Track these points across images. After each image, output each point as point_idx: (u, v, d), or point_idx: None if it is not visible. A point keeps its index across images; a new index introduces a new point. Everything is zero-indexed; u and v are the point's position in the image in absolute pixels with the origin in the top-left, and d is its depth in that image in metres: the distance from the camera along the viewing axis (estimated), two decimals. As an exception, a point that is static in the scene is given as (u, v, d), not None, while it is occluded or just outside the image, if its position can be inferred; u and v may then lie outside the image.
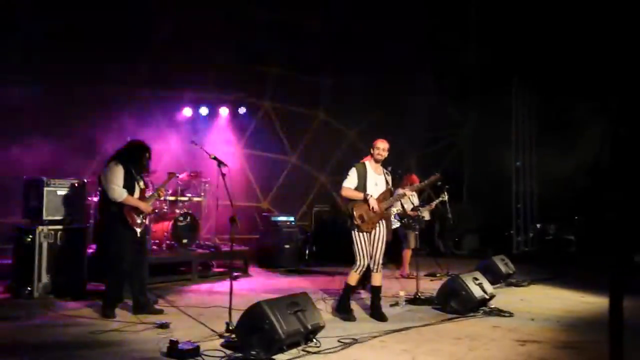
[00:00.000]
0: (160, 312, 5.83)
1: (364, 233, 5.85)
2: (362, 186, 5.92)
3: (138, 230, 5.82)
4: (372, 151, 6.11)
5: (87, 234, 7.13)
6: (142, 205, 5.83)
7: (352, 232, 5.88)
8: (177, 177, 6.99)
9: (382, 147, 6.08)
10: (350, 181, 5.94)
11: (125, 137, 8.64)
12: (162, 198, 7.38)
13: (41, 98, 8.88)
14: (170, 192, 8.37)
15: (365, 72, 12.44)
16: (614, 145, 1.99)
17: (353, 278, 5.93)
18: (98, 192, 8.30)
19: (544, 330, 5.46)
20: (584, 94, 11.17)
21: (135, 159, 5.88)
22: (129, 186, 5.74)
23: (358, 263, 5.86)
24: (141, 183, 5.97)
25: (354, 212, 5.85)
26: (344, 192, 5.96)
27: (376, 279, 6.00)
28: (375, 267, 5.94)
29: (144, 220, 5.92)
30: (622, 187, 2.00)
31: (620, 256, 2.03)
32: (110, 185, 5.62)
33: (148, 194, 6.09)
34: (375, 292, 6.03)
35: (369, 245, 5.88)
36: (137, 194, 5.85)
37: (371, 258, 5.90)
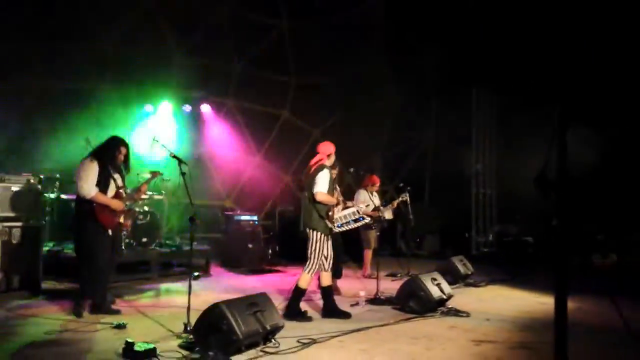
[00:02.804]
0: (118, 312, 5.72)
1: (328, 236, 5.91)
2: (331, 190, 5.95)
3: (109, 228, 5.67)
4: (331, 155, 6.12)
5: (42, 231, 6.95)
6: (114, 204, 5.67)
7: (317, 235, 5.85)
8: (161, 175, 6.65)
9: None
10: (326, 185, 5.86)
11: (86, 133, 8.55)
12: (142, 196, 7.02)
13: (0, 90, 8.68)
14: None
15: (329, 72, 12.51)
16: (558, 152, 2.06)
17: (307, 280, 5.89)
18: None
19: (499, 331, 5.56)
20: (543, 97, 11.44)
21: (111, 155, 5.74)
22: (103, 183, 5.59)
23: (314, 265, 5.85)
24: (118, 181, 5.81)
25: (330, 216, 5.91)
26: (324, 198, 5.82)
27: (329, 279, 6.04)
28: (330, 266, 5.98)
29: (115, 219, 5.74)
30: (565, 194, 2.07)
31: (563, 261, 2.10)
32: (79, 182, 5.51)
33: (127, 191, 5.93)
34: (330, 291, 6.09)
35: (329, 247, 5.94)
36: (111, 191, 5.70)
37: (326, 259, 5.93)
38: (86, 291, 5.63)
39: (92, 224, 5.55)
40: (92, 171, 5.54)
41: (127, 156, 5.88)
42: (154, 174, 6.37)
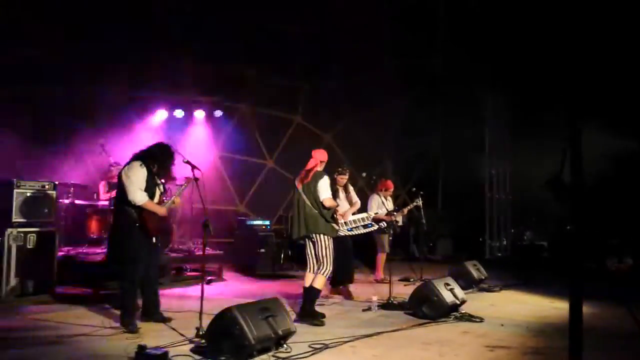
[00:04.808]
0: (168, 320, 5.64)
1: (332, 239, 6.04)
2: (332, 195, 6.12)
3: (154, 236, 5.54)
4: (323, 162, 6.22)
5: (57, 236, 7.00)
6: (161, 212, 5.53)
7: (327, 238, 5.96)
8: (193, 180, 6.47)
9: None
10: (330, 191, 6.02)
11: (99, 138, 8.65)
12: (178, 205, 6.77)
13: (14, 97, 8.77)
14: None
15: (341, 76, 12.52)
16: (573, 156, 2.04)
17: (322, 282, 5.97)
18: (100, 191, 8.15)
19: (513, 336, 5.51)
20: (556, 100, 11.36)
21: (161, 162, 5.60)
22: (149, 190, 5.47)
23: (329, 267, 5.94)
24: (161, 187, 5.71)
25: (335, 219, 6.11)
26: (331, 203, 6.02)
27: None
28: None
29: (161, 226, 5.63)
30: (579, 198, 2.05)
31: (578, 267, 2.08)
32: (132, 187, 5.32)
33: (166, 200, 5.83)
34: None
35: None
36: (156, 199, 5.59)
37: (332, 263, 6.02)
38: (131, 301, 5.40)
39: (139, 230, 5.38)
40: (143, 177, 5.40)
41: (172, 165, 5.75)
42: (188, 180, 6.13)
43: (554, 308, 7.12)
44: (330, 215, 6.01)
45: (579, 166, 2.07)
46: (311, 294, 5.94)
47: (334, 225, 6.11)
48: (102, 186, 8.87)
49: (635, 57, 10.35)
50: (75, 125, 9.33)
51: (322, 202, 5.93)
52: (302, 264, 10.27)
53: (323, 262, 5.92)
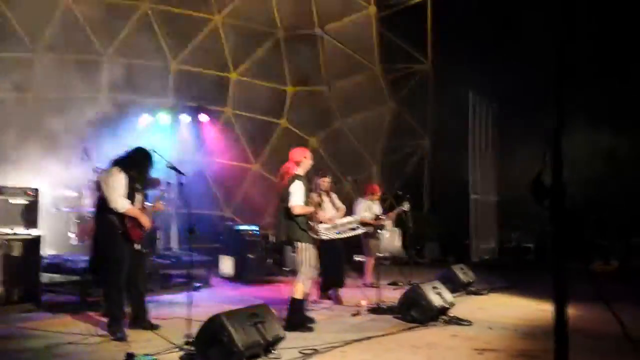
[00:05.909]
0: (157, 327, 5.57)
1: (312, 244, 5.87)
2: (306, 200, 5.83)
3: (137, 243, 5.48)
4: (304, 162, 5.93)
5: (42, 243, 6.90)
6: (143, 219, 5.47)
7: (303, 245, 5.79)
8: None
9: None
10: (301, 197, 5.75)
11: (84, 143, 8.56)
12: (160, 210, 6.64)
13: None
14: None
15: (326, 80, 12.55)
16: (554, 157, 2.05)
17: (301, 291, 5.80)
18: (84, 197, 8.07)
19: (501, 339, 5.54)
20: (540, 101, 11.46)
21: (140, 168, 5.53)
22: (130, 196, 5.39)
23: (307, 275, 5.81)
24: (141, 192, 5.63)
25: (311, 225, 5.88)
26: (301, 210, 5.74)
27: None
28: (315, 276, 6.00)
29: (142, 232, 5.56)
30: (559, 200, 2.06)
31: (560, 269, 2.09)
32: (113, 195, 5.25)
33: (146, 205, 5.74)
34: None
35: (316, 256, 5.91)
36: (137, 204, 5.51)
37: (315, 268, 5.91)
38: (118, 309, 5.33)
39: (121, 238, 5.32)
40: (122, 183, 5.32)
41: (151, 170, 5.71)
42: (169, 184, 6.17)
43: (542, 310, 7.15)
44: (305, 223, 5.78)
45: (559, 167, 2.07)
46: (293, 305, 5.82)
47: (309, 233, 5.84)
48: (85, 192, 8.77)
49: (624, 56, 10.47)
50: (60, 130, 9.23)
51: (290, 209, 5.67)
52: (291, 269, 10.35)
53: (301, 269, 5.80)
